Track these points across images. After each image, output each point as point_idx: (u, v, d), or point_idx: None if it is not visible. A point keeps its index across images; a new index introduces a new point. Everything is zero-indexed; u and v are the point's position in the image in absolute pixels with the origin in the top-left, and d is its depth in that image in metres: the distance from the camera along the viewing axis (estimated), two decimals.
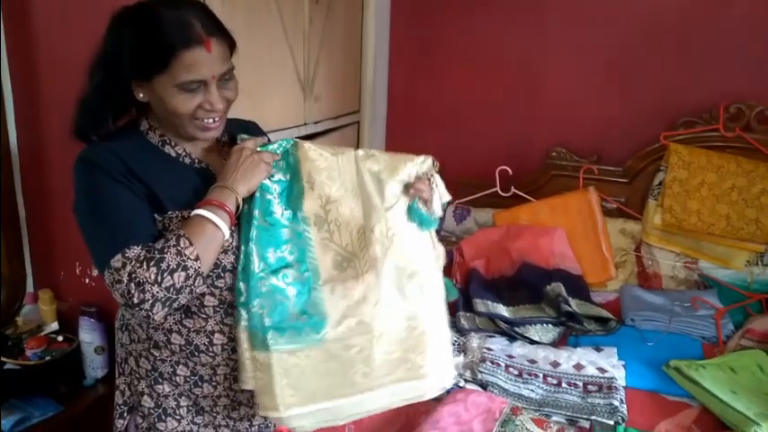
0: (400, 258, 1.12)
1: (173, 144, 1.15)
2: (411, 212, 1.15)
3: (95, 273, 2.05)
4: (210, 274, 1.08)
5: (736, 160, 2.13)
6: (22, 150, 2.04)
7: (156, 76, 1.05)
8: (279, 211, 1.14)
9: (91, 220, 1.07)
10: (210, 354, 1.14)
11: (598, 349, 1.73)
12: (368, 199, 1.14)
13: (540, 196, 2.42)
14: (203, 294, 1.11)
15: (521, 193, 2.45)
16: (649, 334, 1.87)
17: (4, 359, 1.91)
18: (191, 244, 1.02)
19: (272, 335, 1.06)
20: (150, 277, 0.98)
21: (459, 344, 1.80)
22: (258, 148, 1.15)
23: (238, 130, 1.24)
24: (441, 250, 1.22)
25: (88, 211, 1.07)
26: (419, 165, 1.18)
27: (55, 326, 2.05)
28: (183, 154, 1.15)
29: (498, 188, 2.47)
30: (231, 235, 1.09)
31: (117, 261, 1.00)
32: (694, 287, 2.19)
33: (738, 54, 2.22)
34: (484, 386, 1.55)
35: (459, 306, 1.96)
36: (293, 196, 1.15)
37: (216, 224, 1.05)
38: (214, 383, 1.18)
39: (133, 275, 0.99)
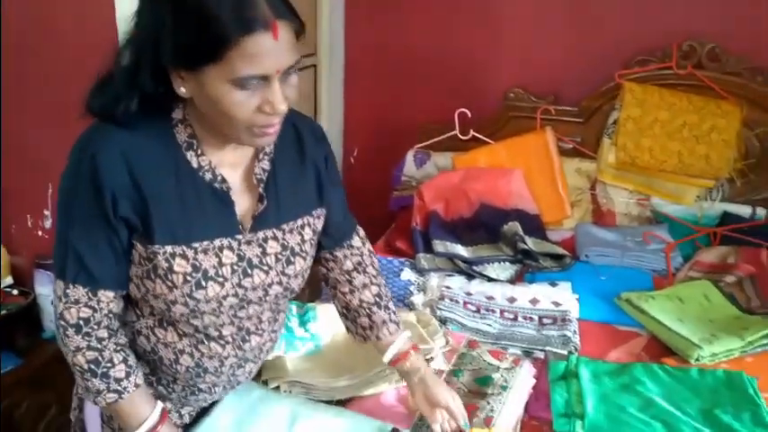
0: None
1: (198, 152, 0.96)
2: None
3: (48, 224, 2.01)
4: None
5: (688, 97, 2.16)
6: None
7: (206, 67, 0.84)
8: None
9: (60, 225, 0.96)
10: None
11: (553, 284, 1.78)
12: None
13: (499, 138, 2.42)
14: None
15: (480, 136, 2.45)
16: (602, 269, 1.92)
17: None
18: (106, 395, 0.98)
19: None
20: (68, 336, 0.96)
21: (418, 284, 1.82)
22: None
23: (305, 128, 1.11)
24: None
25: (62, 215, 0.96)
26: None
27: (9, 280, 2.02)
28: (206, 167, 0.97)
29: (458, 131, 2.46)
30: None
31: (59, 288, 0.96)
32: (646, 223, 2.25)
33: None
34: (443, 322, 1.59)
35: (418, 248, 1.99)
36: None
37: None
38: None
39: (62, 314, 0.96)
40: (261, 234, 1.03)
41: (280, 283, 1.06)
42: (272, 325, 1.14)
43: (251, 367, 1.17)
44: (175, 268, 0.95)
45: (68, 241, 0.93)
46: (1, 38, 1.86)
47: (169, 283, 0.95)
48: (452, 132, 2.47)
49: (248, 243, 1.02)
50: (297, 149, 1.09)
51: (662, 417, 1.24)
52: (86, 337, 0.96)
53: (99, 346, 0.97)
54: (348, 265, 1.25)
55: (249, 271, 1.01)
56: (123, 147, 0.91)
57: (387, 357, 1.20)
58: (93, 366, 0.97)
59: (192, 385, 1.11)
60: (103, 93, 0.91)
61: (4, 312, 1.88)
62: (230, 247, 1.00)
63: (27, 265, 2.03)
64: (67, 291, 0.95)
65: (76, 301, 0.95)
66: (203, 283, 0.97)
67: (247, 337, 1.10)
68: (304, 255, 1.09)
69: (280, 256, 1.05)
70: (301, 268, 1.09)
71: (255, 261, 1.02)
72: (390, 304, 1.25)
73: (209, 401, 1.20)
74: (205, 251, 0.97)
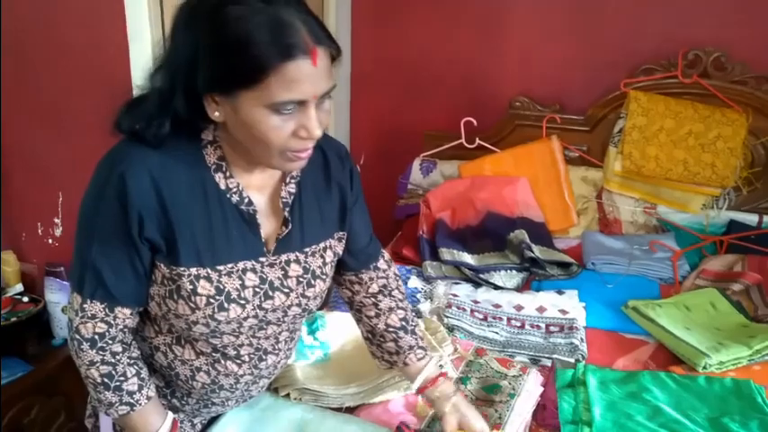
0: None
1: (227, 174, 0.95)
2: None
3: (58, 232, 2.03)
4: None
5: (694, 106, 2.17)
6: None
7: (242, 91, 0.83)
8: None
9: (80, 239, 0.95)
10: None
11: (560, 292, 1.78)
12: None
13: (505, 147, 2.44)
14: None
15: (485, 144, 2.46)
16: (609, 277, 1.93)
17: None
18: (121, 406, 0.99)
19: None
20: (83, 350, 0.97)
21: (425, 291, 1.83)
22: None
23: (331, 150, 1.10)
24: None
25: (83, 230, 0.94)
26: None
27: (19, 287, 2.04)
28: (234, 189, 0.96)
29: (463, 140, 2.48)
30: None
31: (76, 302, 0.96)
32: (653, 231, 2.26)
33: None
34: (450, 330, 1.60)
35: (425, 256, 2.00)
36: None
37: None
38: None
39: (78, 328, 0.96)
40: (284, 257, 1.03)
41: (299, 304, 1.06)
42: (288, 344, 1.15)
43: (264, 382, 1.18)
44: (199, 290, 0.95)
45: (88, 257, 0.92)
46: (1, 38, 1.88)
47: (192, 305, 0.95)
48: (458, 141, 2.49)
49: (271, 265, 1.02)
50: (323, 173, 1.09)
51: (669, 425, 1.24)
52: (101, 352, 0.97)
53: (113, 360, 0.98)
54: (374, 287, 1.23)
55: (270, 293, 1.01)
56: (152, 167, 0.90)
57: (415, 384, 1.19)
58: (106, 380, 0.97)
59: (206, 399, 1.12)
60: (135, 113, 0.91)
61: (14, 319, 1.89)
62: (253, 270, 1.00)
63: (37, 273, 2.05)
64: (84, 306, 0.95)
65: (93, 317, 0.95)
66: (225, 305, 0.97)
67: (264, 357, 1.10)
68: (324, 277, 1.09)
69: (301, 279, 1.05)
70: (321, 290, 1.09)
71: (277, 283, 1.02)
72: (417, 330, 1.24)
73: (221, 413, 1.22)
74: (229, 273, 0.97)
